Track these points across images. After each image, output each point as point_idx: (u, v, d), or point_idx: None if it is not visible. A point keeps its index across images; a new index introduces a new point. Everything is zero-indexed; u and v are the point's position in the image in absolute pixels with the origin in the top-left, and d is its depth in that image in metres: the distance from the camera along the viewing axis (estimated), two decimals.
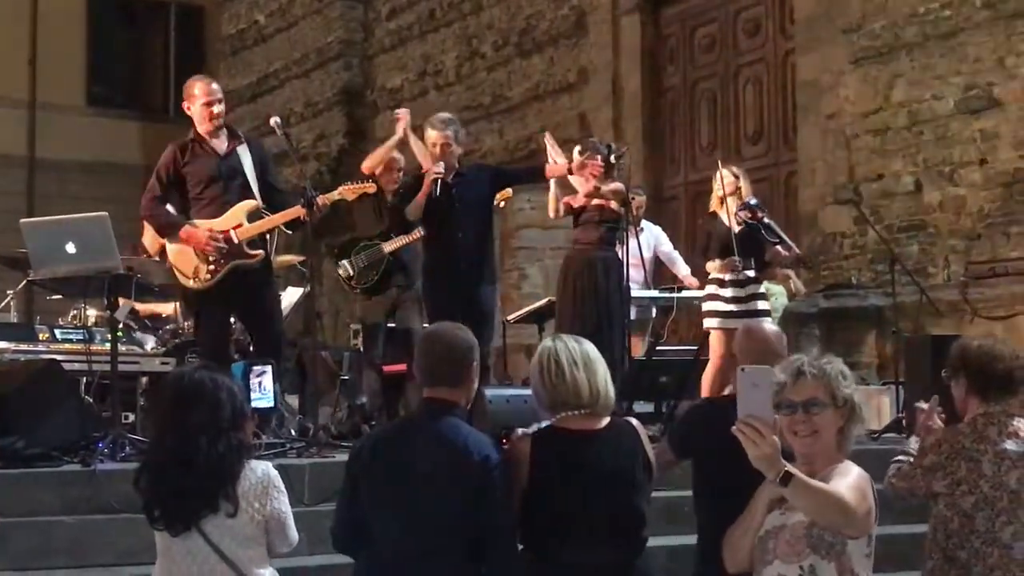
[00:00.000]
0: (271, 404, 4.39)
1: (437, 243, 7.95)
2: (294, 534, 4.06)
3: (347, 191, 7.63)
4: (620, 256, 8.44)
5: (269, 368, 4.56)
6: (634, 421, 4.27)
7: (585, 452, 4.02)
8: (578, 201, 8.56)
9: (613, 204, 8.48)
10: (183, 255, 7.31)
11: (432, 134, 7.90)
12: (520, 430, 4.22)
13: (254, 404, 4.31)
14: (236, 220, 7.28)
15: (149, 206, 7.44)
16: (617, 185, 8.51)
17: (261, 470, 3.99)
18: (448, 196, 7.76)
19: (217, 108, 7.36)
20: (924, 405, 4.69)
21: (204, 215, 7.32)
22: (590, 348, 4.17)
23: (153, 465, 4.01)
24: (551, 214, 8.76)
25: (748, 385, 3.31)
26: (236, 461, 3.92)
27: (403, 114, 8.72)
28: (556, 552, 3.98)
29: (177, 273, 7.38)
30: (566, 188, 8.66)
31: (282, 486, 4.03)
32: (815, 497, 3.32)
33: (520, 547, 4.08)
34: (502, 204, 9.32)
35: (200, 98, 7.37)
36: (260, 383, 4.50)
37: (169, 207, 7.48)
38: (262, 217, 7.33)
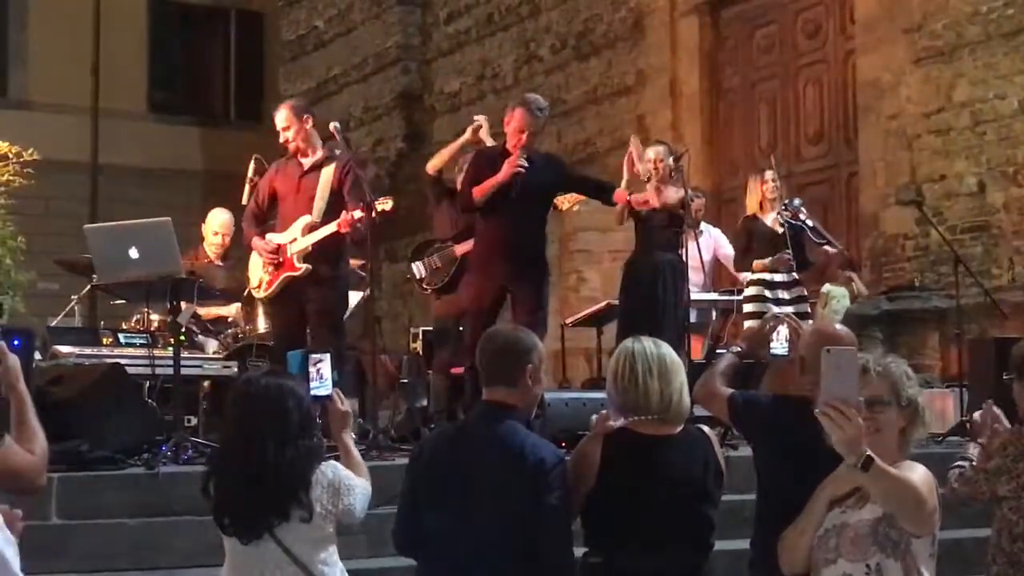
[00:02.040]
0: (328, 392, 4.39)
1: (490, 230, 7.59)
2: (361, 513, 4.05)
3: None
4: (684, 259, 8.43)
5: (327, 356, 4.57)
6: (706, 429, 4.24)
7: (657, 457, 4.00)
8: (640, 204, 8.54)
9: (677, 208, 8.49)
10: (255, 265, 7.67)
11: (527, 118, 7.49)
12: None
13: (313, 392, 4.32)
14: (292, 235, 7.47)
15: (244, 217, 7.87)
16: (680, 191, 8.50)
17: (331, 471, 3.97)
18: (513, 183, 7.39)
19: (283, 136, 7.58)
20: (994, 408, 4.63)
21: (279, 228, 7.59)
22: (668, 353, 4.12)
23: (220, 473, 4.00)
24: (617, 221, 8.72)
25: (833, 366, 3.21)
26: (307, 468, 3.88)
27: (482, 121, 8.77)
28: (622, 555, 3.97)
29: (249, 281, 7.78)
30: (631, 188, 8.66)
31: (350, 478, 4.02)
32: (894, 484, 3.27)
33: (585, 549, 4.07)
34: (575, 207, 9.29)
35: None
36: (319, 371, 4.51)
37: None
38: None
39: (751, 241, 8.91)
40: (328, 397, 4.38)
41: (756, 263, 8.80)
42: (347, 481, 4.00)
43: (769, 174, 9.03)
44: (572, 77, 16.09)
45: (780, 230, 8.67)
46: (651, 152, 8.69)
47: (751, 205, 9.09)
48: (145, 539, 5.86)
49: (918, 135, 11.53)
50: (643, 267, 8.47)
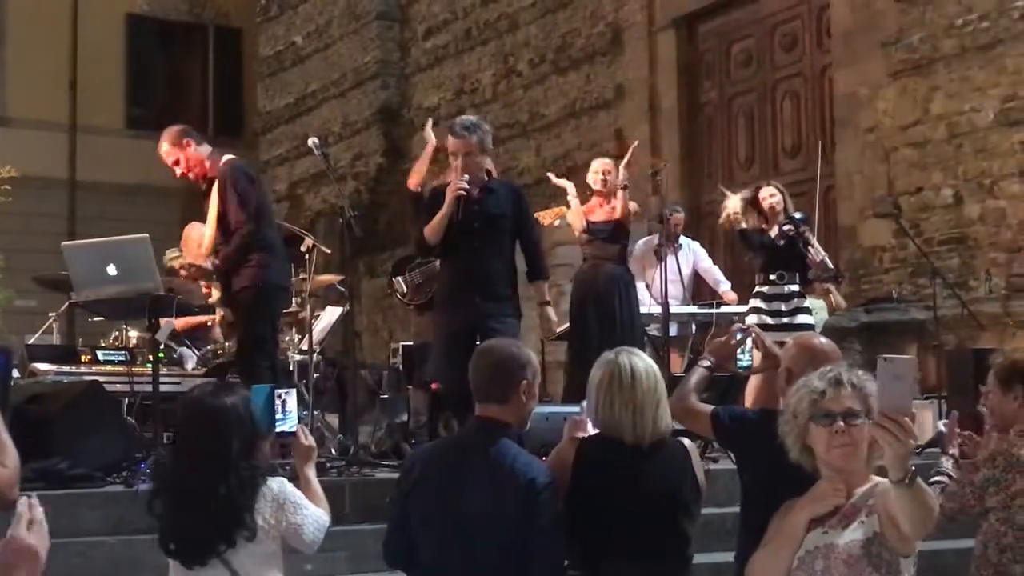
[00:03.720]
0: (293, 428, 4.36)
1: (452, 267, 7.05)
2: (312, 537, 3.98)
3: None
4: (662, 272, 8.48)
5: (293, 391, 4.54)
6: (686, 441, 4.23)
7: (637, 468, 3.99)
8: (595, 215, 8.62)
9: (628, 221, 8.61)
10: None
11: (452, 141, 6.97)
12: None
13: (278, 428, 4.29)
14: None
15: None
16: (633, 205, 8.65)
17: (276, 487, 3.94)
18: (470, 213, 6.83)
19: (176, 172, 7.46)
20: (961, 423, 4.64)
21: None
22: (649, 367, 4.13)
23: (165, 496, 3.98)
24: (577, 229, 8.75)
25: (889, 377, 3.07)
26: (250, 494, 3.86)
27: (428, 124, 8.85)
28: (597, 565, 3.96)
29: None
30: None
31: (299, 498, 3.97)
32: (928, 502, 3.18)
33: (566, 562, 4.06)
34: (555, 223, 9.29)
35: None
36: (283, 405, 4.48)
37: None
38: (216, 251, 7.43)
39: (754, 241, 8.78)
40: (292, 433, 4.33)
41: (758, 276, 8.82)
42: (293, 498, 3.95)
43: (767, 189, 8.98)
44: (551, 91, 16.12)
45: (781, 243, 8.62)
46: (598, 163, 8.80)
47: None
48: (124, 557, 5.83)
49: (895, 148, 11.58)
50: (596, 278, 8.52)
